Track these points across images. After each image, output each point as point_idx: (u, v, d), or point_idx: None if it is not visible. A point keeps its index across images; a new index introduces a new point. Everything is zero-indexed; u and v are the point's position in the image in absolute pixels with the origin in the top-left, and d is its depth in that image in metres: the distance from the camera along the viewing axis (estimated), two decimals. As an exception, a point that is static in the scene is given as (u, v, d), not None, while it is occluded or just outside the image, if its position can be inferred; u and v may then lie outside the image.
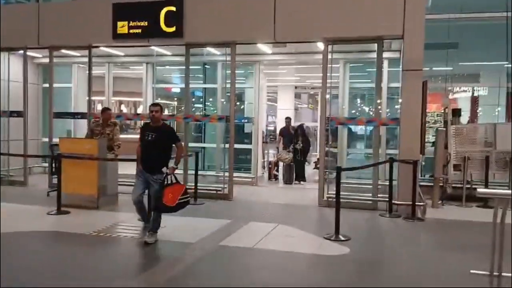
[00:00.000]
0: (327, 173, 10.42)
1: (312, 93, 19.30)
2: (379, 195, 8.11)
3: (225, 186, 8.86)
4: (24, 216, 7.24)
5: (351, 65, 9.76)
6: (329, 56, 8.14)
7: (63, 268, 4.95)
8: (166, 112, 14.43)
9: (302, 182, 11.09)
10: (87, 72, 9.74)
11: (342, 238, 6.10)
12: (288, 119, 11.95)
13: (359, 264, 5.26)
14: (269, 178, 11.71)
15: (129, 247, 5.90)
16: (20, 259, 5.19)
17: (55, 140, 9.16)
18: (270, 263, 5.32)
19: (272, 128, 19.34)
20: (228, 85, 8.72)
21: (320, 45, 8.80)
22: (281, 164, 11.54)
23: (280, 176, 11.60)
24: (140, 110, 16.05)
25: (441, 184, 8.48)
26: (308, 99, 20.68)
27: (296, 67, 12.72)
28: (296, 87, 17.19)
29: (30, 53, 10.43)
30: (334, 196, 6.53)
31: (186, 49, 8.94)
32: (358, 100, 13.18)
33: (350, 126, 10.61)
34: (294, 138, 11.17)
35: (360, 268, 5.13)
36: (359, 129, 12.06)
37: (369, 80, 11.87)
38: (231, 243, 5.92)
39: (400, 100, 7.90)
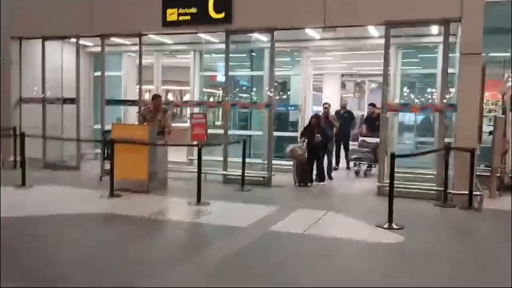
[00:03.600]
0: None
1: (359, 81, 18.87)
2: (430, 185, 7.83)
3: (273, 173, 8.84)
4: (79, 198, 7.48)
5: (403, 50, 9.41)
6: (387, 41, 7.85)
7: (116, 248, 5.06)
8: (211, 99, 14.56)
9: (321, 183, 9.09)
10: (137, 60, 9.92)
11: (395, 227, 5.93)
12: (326, 105, 10.37)
13: (415, 253, 5.07)
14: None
15: (180, 230, 5.97)
16: (75, 239, 5.35)
17: (107, 127, 9.44)
18: (321, 249, 5.23)
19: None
20: (276, 73, 8.67)
21: (372, 30, 8.58)
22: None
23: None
24: (186, 98, 16.22)
25: (499, 174, 8.09)
26: (354, 87, 20.23)
27: (344, 54, 12.45)
28: (342, 75, 16.87)
29: (81, 41, 10.69)
30: (388, 184, 6.33)
31: (226, 35, 8.91)
32: (410, 87, 12.72)
33: (401, 114, 10.22)
34: (309, 130, 9.12)
35: (415, 257, 4.94)
36: (407, 118, 11.66)
37: (421, 66, 11.52)
38: (282, 228, 5.88)
39: (455, 86, 7.56)
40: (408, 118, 11.66)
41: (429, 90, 12.19)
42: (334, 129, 10.15)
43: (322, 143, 8.99)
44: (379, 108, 9.83)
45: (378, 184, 7.96)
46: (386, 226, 5.95)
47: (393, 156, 6.02)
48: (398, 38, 8.74)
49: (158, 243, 5.39)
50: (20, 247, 4.99)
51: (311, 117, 9.31)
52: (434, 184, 7.74)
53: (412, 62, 11.22)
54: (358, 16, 7.82)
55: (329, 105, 10.32)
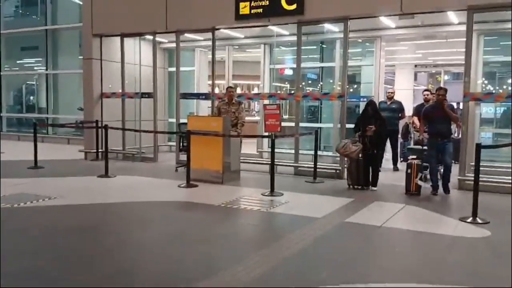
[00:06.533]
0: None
1: (434, 72, 18.04)
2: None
3: (345, 165, 8.68)
4: (158, 188, 7.83)
5: (485, 37, 8.86)
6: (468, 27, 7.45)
7: (201, 232, 5.22)
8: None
9: (373, 188, 7.67)
10: (210, 55, 10.15)
11: (480, 221, 5.64)
12: (441, 92, 7.36)
13: (504, 247, 4.78)
14: (407, 190, 7.35)
15: (258, 219, 6.05)
16: (157, 224, 5.60)
17: (182, 120, 9.77)
18: (401, 243, 5.11)
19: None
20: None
21: (452, 16, 8.19)
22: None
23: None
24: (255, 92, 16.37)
25: None
26: (428, 78, 19.35)
27: (419, 43, 11.95)
28: (415, 66, 16.21)
29: (157, 38, 11.06)
30: (472, 177, 6.02)
31: (297, 27, 8.89)
32: (491, 76, 11.95)
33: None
34: (362, 120, 7.81)
35: (506, 251, 4.66)
36: (484, 111, 10.95)
37: (503, 54, 10.78)
38: (357, 220, 5.78)
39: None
40: (486, 109, 10.95)
41: (510, 80, 11.46)
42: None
43: (376, 136, 7.63)
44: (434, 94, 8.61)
45: (459, 177, 7.60)
46: (469, 220, 5.69)
47: (478, 147, 5.71)
48: (480, 24, 8.27)
49: (239, 230, 5.58)
50: (109, 229, 5.33)
51: (367, 104, 8.00)
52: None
53: (495, 50, 10.54)
54: (438, 1, 7.50)
55: (445, 91, 7.43)
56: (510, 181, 7.23)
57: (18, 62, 17.42)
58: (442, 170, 7.39)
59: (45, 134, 15.06)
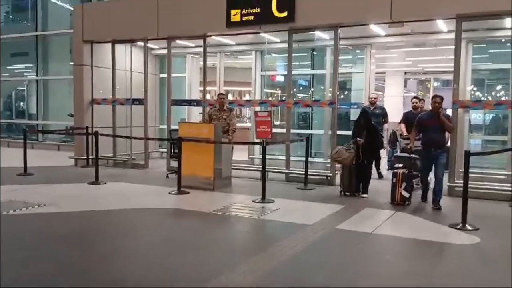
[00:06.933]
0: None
1: (423, 79, 18.23)
2: (504, 185, 7.43)
3: (336, 172, 8.72)
4: (149, 194, 7.78)
5: (474, 45, 8.98)
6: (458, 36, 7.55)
7: (185, 240, 5.20)
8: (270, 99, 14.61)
9: (364, 195, 7.67)
10: (202, 61, 10.17)
11: (469, 228, 5.69)
12: (437, 99, 6.99)
13: (493, 254, 4.84)
14: (392, 200, 7.14)
15: (248, 226, 6.06)
16: (149, 231, 5.57)
17: (173, 126, 9.75)
18: (392, 249, 5.13)
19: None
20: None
21: (441, 24, 8.29)
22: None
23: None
24: (247, 98, 16.42)
25: None
26: (417, 85, 19.55)
27: (409, 51, 12.08)
28: (405, 73, 16.38)
29: (148, 44, 11.06)
30: (461, 184, 6.07)
31: (288, 34, 8.94)
32: (480, 84, 12.06)
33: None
34: (356, 128, 7.89)
35: (495, 258, 4.72)
36: (473, 118, 11.05)
37: (491, 62, 10.94)
38: (348, 227, 5.80)
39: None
40: (475, 116, 11.04)
41: (499, 87, 11.61)
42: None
43: (367, 146, 7.64)
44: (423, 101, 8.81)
45: (448, 184, 7.66)
46: (459, 227, 5.73)
47: (467, 155, 5.76)
48: (468, 32, 8.38)
49: (231, 237, 5.58)
50: (102, 236, 5.30)
51: (360, 113, 8.03)
52: (509, 185, 7.33)
53: (483, 57, 10.68)
54: (427, 10, 7.57)
55: (441, 99, 7.03)
56: (510, 188, 7.25)
57: (8, 68, 17.31)
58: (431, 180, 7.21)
59: (35, 141, 14.96)
